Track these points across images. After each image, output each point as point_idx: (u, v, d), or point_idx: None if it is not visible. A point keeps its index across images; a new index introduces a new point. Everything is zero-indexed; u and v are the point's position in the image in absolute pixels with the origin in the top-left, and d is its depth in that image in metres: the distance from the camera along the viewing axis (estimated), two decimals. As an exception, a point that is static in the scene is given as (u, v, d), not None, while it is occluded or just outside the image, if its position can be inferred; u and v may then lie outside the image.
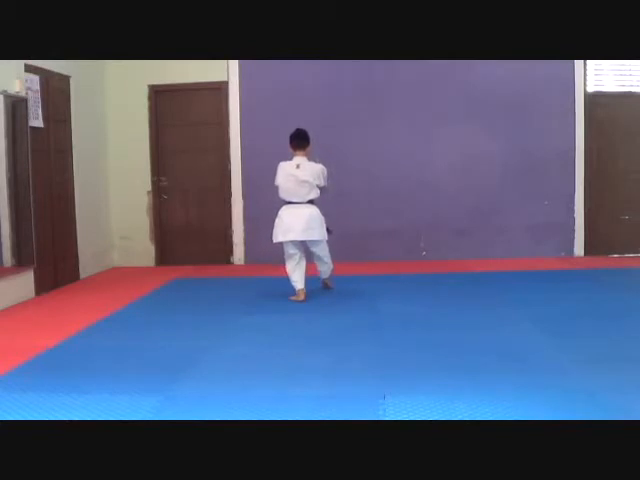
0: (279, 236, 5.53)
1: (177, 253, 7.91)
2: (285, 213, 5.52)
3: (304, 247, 5.67)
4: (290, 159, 5.58)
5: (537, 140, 7.51)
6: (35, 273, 6.05)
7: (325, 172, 5.56)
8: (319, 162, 5.59)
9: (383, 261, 7.47)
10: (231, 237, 7.80)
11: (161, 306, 5.73)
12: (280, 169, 5.56)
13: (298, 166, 5.47)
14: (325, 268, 5.85)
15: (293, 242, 5.52)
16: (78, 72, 6.88)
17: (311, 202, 5.54)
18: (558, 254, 7.59)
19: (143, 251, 7.86)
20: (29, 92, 5.94)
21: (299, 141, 5.54)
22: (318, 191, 5.54)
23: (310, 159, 5.58)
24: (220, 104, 7.71)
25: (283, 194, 5.55)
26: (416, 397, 3.21)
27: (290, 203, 5.53)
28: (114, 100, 7.73)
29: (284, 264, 5.66)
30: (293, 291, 5.62)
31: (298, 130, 5.59)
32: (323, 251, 5.68)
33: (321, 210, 5.61)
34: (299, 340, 4.43)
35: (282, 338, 4.51)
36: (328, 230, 5.68)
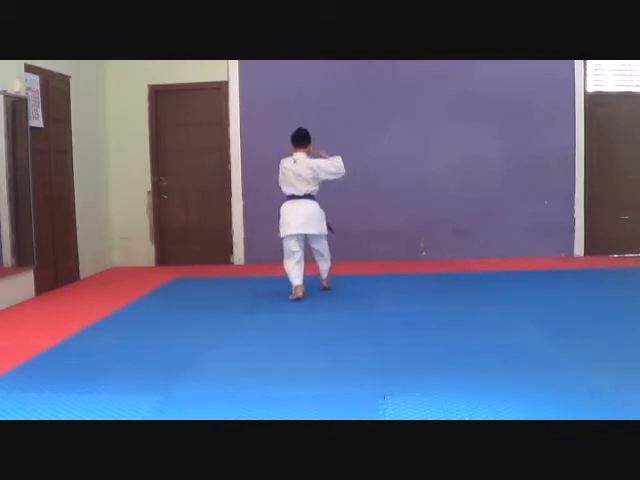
0: (280, 232, 5.62)
1: (177, 253, 7.90)
2: (285, 209, 5.64)
3: (305, 246, 5.71)
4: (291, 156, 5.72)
5: (537, 140, 7.50)
6: (35, 273, 6.05)
7: (322, 165, 5.58)
8: (325, 155, 5.64)
9: (383, 261, 7.47)
10: (231, 237, 7.80)
11: (161, 306, 5.73)
12: (280, 165, 5.71)
13: (295, 161, 5.63)
14: (326, 266, 5.91)
15: (295, 239, 5.58)
16: (78, 72, 6.88)
17: (311, 197, 5.63)
18: (558, 254, 7.58)
19: (143, 251, 7.86)
20: (29, 92, 5.93)
21: (299, 140, 5.69)
22: (316, 187, 5.64)
23: (314, 157, 5.67)
24: (220, 104, 7.71)
25: (283, 187, 5.68)
26: (416, 397, 3.20)
27: (290, 198, 5.63)
28: (114, 100, 7.72)
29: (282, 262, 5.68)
30: (293, 291, 5.62)
31: (299, 129, 5.72)
32: (323, 247, 5.76)
33: (322, 209, 5.65)
34: (299, 340, 4.44)
35: (282, 338, 4.51)
36: (330, 228, 5.74)
